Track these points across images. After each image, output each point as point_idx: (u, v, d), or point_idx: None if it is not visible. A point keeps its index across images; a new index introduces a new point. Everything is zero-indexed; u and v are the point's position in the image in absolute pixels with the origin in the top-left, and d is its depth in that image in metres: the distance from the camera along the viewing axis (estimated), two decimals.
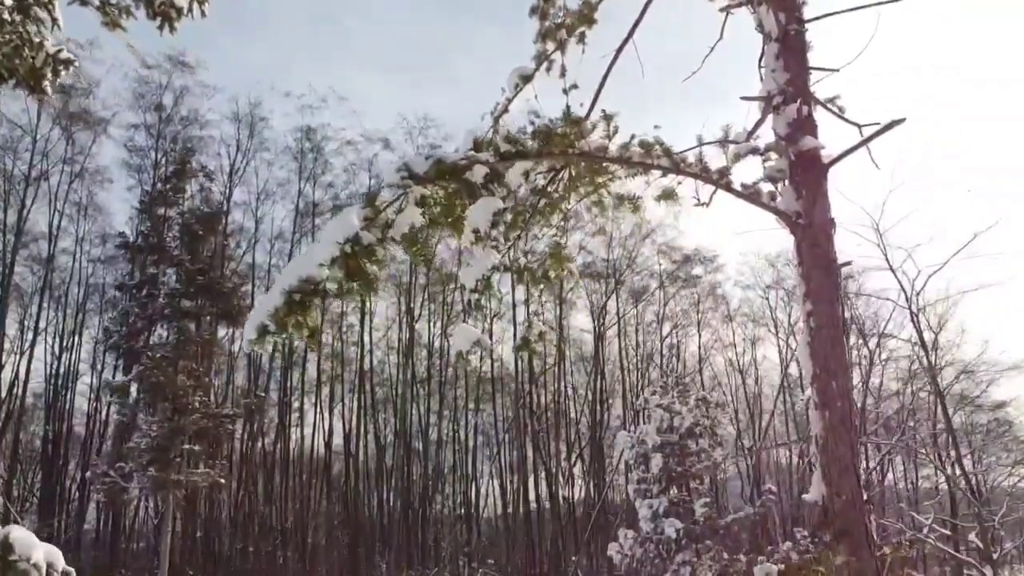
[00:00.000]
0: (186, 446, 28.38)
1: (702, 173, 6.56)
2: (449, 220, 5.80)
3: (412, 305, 47.04)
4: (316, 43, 76.65)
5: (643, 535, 22.94)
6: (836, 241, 6.41)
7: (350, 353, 47.99)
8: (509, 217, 8.33)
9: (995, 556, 24.99)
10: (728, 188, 6.66)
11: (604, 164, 6.72)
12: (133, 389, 29.01)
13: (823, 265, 6.31)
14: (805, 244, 6.41)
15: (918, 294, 22.31)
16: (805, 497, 6.55)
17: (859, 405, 45.44)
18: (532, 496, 47.23)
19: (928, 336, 45.00)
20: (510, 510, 47.50)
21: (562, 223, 8.83)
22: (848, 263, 6.47)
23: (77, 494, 42.07)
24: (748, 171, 6.93)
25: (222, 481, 29.87)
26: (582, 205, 9.37)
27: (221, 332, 45.61)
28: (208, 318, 30.85)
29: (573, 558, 41.72)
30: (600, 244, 48.14)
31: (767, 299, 49.48)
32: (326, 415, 47.45)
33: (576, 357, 51.45)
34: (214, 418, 28.78)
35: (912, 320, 22.26)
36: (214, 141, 42.59)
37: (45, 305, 40.84)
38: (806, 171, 6.55)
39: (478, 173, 5.59)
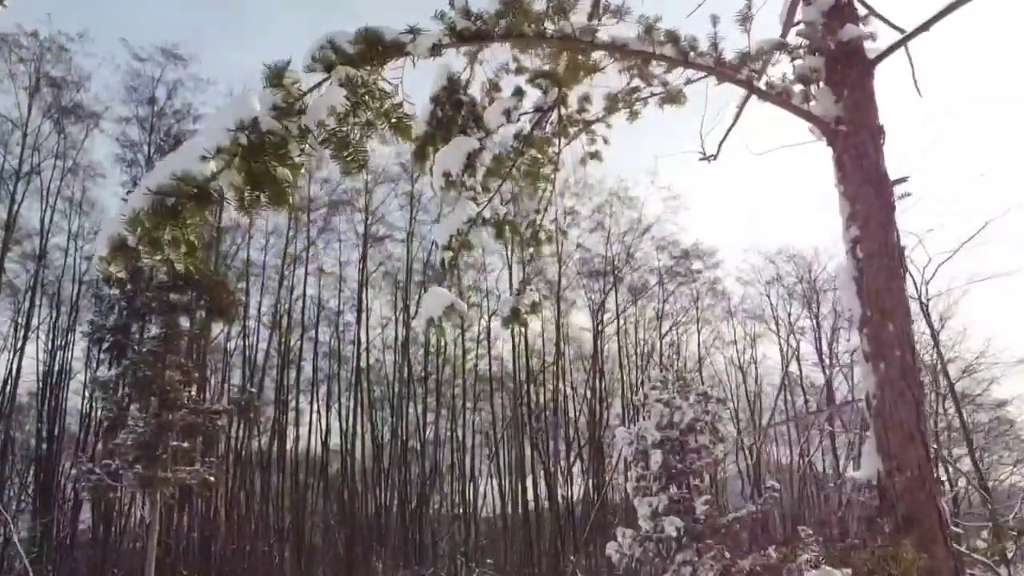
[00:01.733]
0: (174, 443, 26.94)
1: (717, 66, 5.08)
2: (393, 121, 4.32)
3: (408, 302, 45.60)
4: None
5: (642, 534, 21.63)
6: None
7: (347, 351, 46.67)
8: (488, 161, 6.89)
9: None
10: (751, 87, 5.20)
11: (592, 60, 5.24)
12: (122, 384, 27.57)
13: (873, 180, 4.85)
14: (848, 155, 4.93)
15: (927, 284, 20.84)
16: (853, 475, 5.02)
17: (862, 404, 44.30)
18: (530, 495, 45.94)
19: (929, 335, 43.96)
20: (508, 510, 46.16)
21: (551, 170, 7.35)
22: (904, 179, 4.97)
23: (72, 493, 40.63)
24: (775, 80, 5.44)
25: (212, 479, 28.31)
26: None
27: (215, 329, 44.49)
28: (200, 312, 29.47)
29: (572, 557, 40.36)
30: (598, 240, 46.90)
31: (767, 295, 47.92)
32: (323, 414, 46.27)
33: (575, 355, 50.09)
34: (203, 414, 27.27)
35: (922, 310, 20.74)
36: None
37: (38, 302, 39.65)
38: (847, 67, 5.07)
39: (421, 47, 4.12)
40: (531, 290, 7.95)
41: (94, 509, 38.63)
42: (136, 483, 26.36)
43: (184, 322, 30.21)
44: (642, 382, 40.52)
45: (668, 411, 22.43)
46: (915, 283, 20.76)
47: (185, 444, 27.59)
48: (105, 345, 27.69)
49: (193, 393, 28.43)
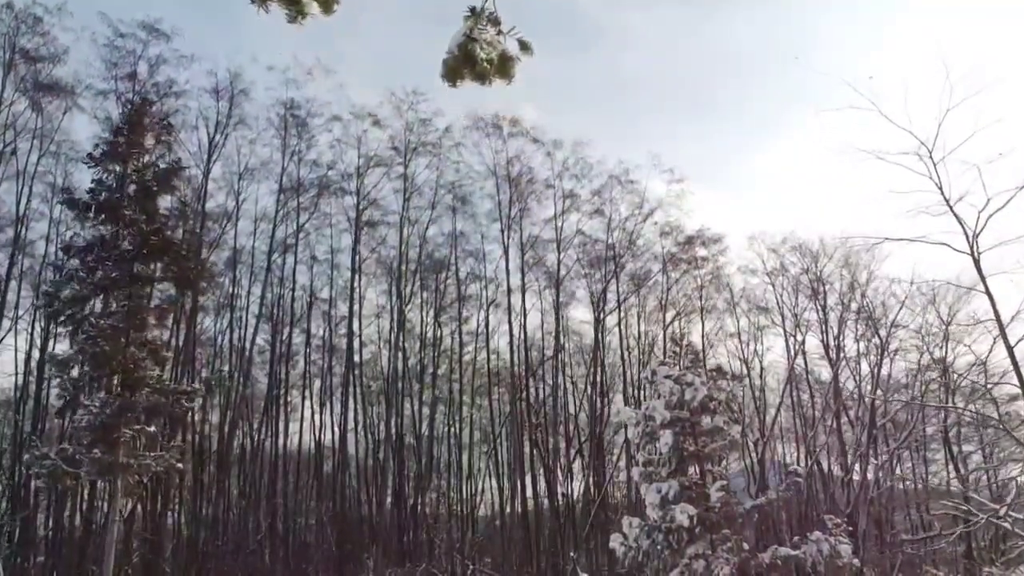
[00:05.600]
0: (137, 426, 23.31)
1: None
2: None
3: (402, 289, 41.87)
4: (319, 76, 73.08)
5: (650, 524, 17.98)
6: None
7: (341, 345, 43.00)
8: None
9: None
10: None
11: None
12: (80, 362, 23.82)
13: None
14: None
15: (977, 236, 17.14)
16: None
17: (869, 399, 40.66)
18: (529, 492, 42.44)
19: (938, 327, 40.26)
20: (507, 507, 42.54)
21: None
22: None
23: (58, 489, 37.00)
24: None
25: (179, 466, 24.63)
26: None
27: (208, 321, 40.94)
28: (167, 285, 26.02)
29: (572, 554, 36.78)
30: (599, 226, 43.22)
31: (772, 285, 43.89)
32: (316, 408, 42.88)
33: (575, 349, 46.46)
34: (169, 394, 23.52)
35: (975, 266, 16.98)
36: (190, 111, 37.83)
37: (19, 292, 36.25)
38: None
39: None
40: (502, 35, 4.11)
41: (81, 503, 35.24)
42: (94, 469, 22.69)
43: (158, 295, 26.98)
44: (646, 374, 36.93)
45: (679, 388, 18.83)
46: (966, 234, 17.05)
47: (151, 428, 23.98)
48: (61, 319, 24.11)
49: (162, 374, 24.72)
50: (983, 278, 16.88)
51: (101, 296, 23.88)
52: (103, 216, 23.80)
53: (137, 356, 23.26)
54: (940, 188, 17.01)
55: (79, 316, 23.23)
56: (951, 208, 16.84)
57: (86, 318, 23.04)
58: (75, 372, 23.53)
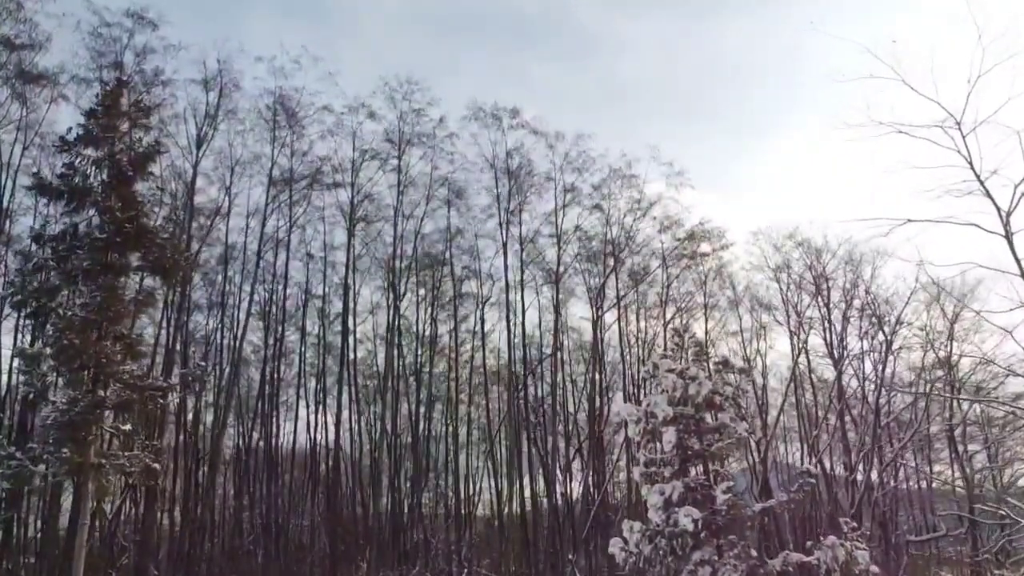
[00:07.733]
0: (112, 424, 21.43)
1: None
2: None
3: (398, 286, 39.82)
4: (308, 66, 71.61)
5: (652, 528, 16.05)
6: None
7: (336, 343, 41.08)
8: None
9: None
10: None
11: None
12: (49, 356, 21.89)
13: None
14: None
15: (1010, 215, 15.18)
16: None
17: (874, 399, 38.78)
18: (528, 493, 40.67)
19: (942, 326, 38.28)
20: (505, 508, 40.58)
21: None
22: None
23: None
24: None
25: (156, 467, 22.55)
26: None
27: (201, 318, 39.06)
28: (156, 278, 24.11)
29: (571, 556, 34.91)
30: (598, 222, 41.18)
31: (777, 281, 41.73)
32: (312, 408, 41.18)
33: (574, 346, 44.48)
34: (143, 390, 21.54)
35: (1009, 246, 15.03)
36: (179, 101, 35.82)
37: (5, 288, 34.24)
38: None
39: None
40: None
41: (75, 504, 33.30)
42: (63, 470, 20.73)
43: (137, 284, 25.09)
44: (647, 368, 34.83)
45: (682, 383, 16.90)
46: (999, 213, 15.06)
47: (126, 426, 22.08)
48: (28, 310, 22.28)
49: (137, 369, 22.74)
50: (1017, 259, 14.92)
51: (75, 287, 21.98)
52: (75, 202, 21.90)
53: (110, 350, 21.31)
54: (970, 163, 15.04)
55: (47, 307, 21.31)
56: (982, 184, 14.88)
57: (54, 309, 21.12)
58: (45, 367, 21.71)
